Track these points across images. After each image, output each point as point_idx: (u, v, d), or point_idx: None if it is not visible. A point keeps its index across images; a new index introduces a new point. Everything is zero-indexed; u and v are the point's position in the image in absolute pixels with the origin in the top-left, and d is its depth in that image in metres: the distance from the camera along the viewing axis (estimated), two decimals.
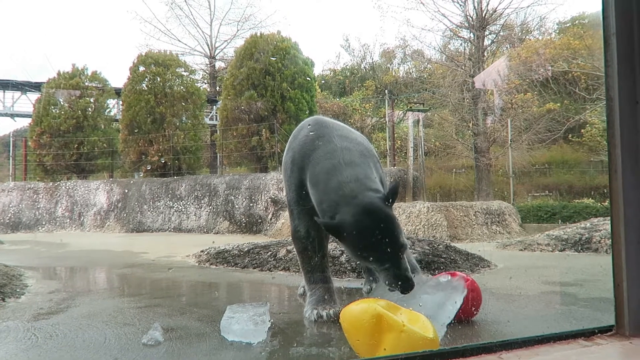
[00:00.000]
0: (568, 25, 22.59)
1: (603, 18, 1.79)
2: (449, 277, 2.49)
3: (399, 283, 2.22)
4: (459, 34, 21.08)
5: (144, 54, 19.53)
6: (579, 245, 6.87)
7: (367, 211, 2.30)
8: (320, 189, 2.52)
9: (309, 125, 2.87)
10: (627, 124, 1.73)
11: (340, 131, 2.83)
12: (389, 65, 30.68)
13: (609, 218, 1.80)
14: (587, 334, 1.62)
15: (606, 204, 11.55)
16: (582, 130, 19.07)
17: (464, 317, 2.67)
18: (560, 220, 11.61)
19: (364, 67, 31.80)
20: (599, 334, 1.62)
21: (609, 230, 1.69)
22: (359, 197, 2.35)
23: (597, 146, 18.20)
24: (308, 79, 18.05)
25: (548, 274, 5.04)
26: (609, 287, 1.67)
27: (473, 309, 2.72)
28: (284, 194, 3.33)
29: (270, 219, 13.28)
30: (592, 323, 1.64)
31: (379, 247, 2.25)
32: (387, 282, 2.28)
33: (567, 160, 19.44)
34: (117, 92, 19.95)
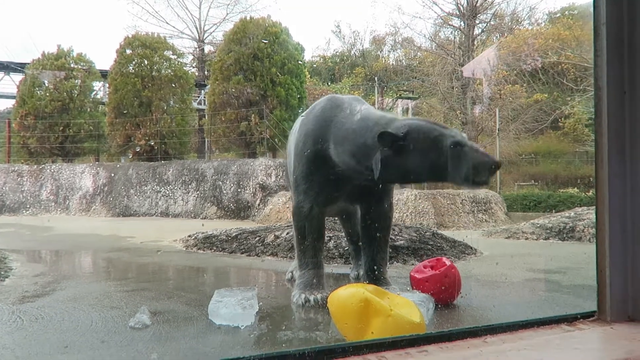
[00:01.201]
0: (558, 15, 22.66)
1: (594, 7, 1.79)
2: (417, 293, 2.55)
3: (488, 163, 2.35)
4: (450, 22, 21.05)
5: (131, 36, 19.21)
6: (563, 234, 6.98)
7: (421, 120, 2.54)
8: (358, 135, 2.60)
9: (321, 103, 2.98)
10: (614, 113, 1.75)
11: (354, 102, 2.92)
12: (379, 52, 30.56)
13: (592, 208, 1.83)
14: (570, 320, 1.65)
15: (590, 193, 11.72)
16: (565, 121, 19.25)
17: (449, 300, 2.74)
18: (545, 210, 11.75)
19: (354, 53, 31.64)
20: (581, 320, 1.66)
21: (593, 219, 1.72)
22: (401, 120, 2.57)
23: (582, 136, 18.39)
24: (300, 62, 17.91)
25: (532, 261, 5.12)
26: (592, 274, 1.70)
27: (456, 293, 2.78)
28: (290, 172, 3.37)
29: (259, 205, 13.26)
30: (574, 309, 1.67)
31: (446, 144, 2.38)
32: (473, 170, 2.35)
33: (553, 151, 19.63)
34: (104, 75, 19.64)
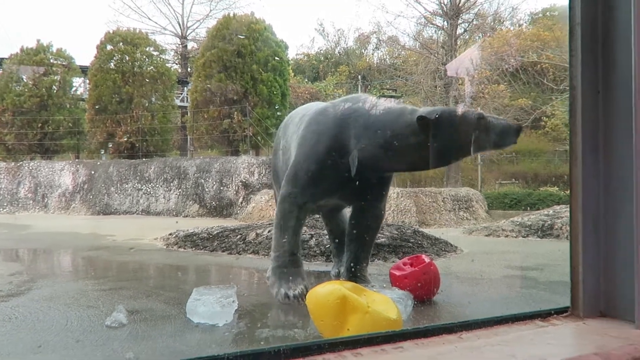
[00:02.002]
0: (539, 16, 22.98)
1: (569, 8, 1.82)
2: (396, 290, 2.54)
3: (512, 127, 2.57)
4: (433, 22, 21.20)
5: (112, 31, 18.93)
6: (541, 232, 7.09)
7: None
8: (387, 126, 2.66)
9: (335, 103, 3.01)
10: (589, 112, 1.77)
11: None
12: (363, 50, 30.63)
13: None
14: (544, 315, 1.67)
15: (569, 192, 11.89)
16: (545, 120, 19.54)
17: (426, 297, 2.76)
18: (524, 208, 11.92)
19: (338, 52, 31.66)
20: (554, 315, 1.68)
21: None
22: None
23: (562, 136, 18.69)
24: (277, 58, 17.81)
25: (511, 258, 5.19)
26: (567, 271, 1.72)
27: (434, 289, 2.80)
28: (277, 168, 3.35)
29: (241, 203, 13.20)
30: (549, 305, 1.70)
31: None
32: (502, 135, 2.55)
33: (533, 150, 19.92)
34: (84, 71, 19.32)
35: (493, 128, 2.56)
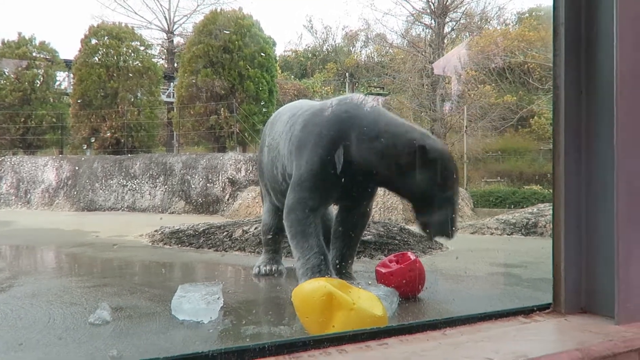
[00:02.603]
0: (526, 16, 23.19)
1: (554, 8, 1.84)
2: (381, 287, 2.57)
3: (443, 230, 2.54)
4: (421, 20, 21.27)
5: (96, 25, 18.67)
6: (525, 229, 7.18)
7: (446, 151, 2.71)
8: (388, 137, 2.68)
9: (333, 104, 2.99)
10: (571, 112, 1.79)
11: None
12: (351, 48, 30.62)
13: None
14: (527, 312, 1.70)
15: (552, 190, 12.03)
16: (531, 120, 19.76)
17: (411, 294, 2.79)
18: (509, 206, 12.05)
19: (326, 49, 31.61)
20: (537, 312, 1.70)
21: None
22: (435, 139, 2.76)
23: (547, 135, 18.90)
24: (263, 54, 17.72)
25: (495, 256, 5.24)
26: (550, 268, 1.74)
27: (419, 286, 2.82)
28: (264, 167, 3.34)
29: (228, 200, 13.13)
30: (532, 302, 1.72)
31: (453, 183, 2.58)
32: (433, 225, 2.56)
33: (519, 148, 20.12)
34: (68, 65, 19.03)
35: (446, 211, 2.62)
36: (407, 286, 2.77)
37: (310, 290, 1.85)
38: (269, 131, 3.47)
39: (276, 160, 3.17)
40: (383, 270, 2.89)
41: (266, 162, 3.42)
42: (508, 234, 7.19)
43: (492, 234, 7.33)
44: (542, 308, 1.74)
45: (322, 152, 2.78)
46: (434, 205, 2.57)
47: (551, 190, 1.85)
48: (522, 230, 7.19)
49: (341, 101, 2.94)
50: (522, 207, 9.70)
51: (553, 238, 1.78)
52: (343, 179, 2.75)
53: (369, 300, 1.88)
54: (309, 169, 2.81)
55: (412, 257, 2.96)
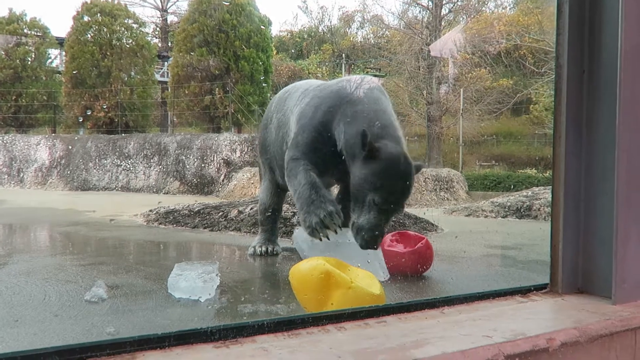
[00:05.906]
0: None
1: None
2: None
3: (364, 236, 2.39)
4: (418, 1, 21.03)
5: (89, 1, 18.32)
6: (520, 213, 7.22)
7: (403, 157, 2.49)
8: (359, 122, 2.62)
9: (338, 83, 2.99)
10: (573, 92, 1.78)
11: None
12: (347, 29, 30.31)
13: (549, 188, 1.87)
14: (524, 292, 1.70)
15: (547, 174, 12.13)
16: (531, 107, 19.76)
17: (417, 272, 2.81)
18: (504, 189, 12.11)
19: (322, 30, 31.28)
20: (534, 292, 1.71)
21: (549, 198, 1.78)
22: (399, 142, 2.58)
23: (543, 120, 18.93)
24: (266, 36, 17.50)
25: (490, 238, 5.27)
26: (545, 250, 1.75)
27: (424, 266, 2.85)
28: (270, 144, 3.36)
29: (223, 180, 13.11)
30: (528, 282, 1.73)
31: (390, 193, 2.42)
32: (355, 229, 2.44)
33: (514, 132, 20.15)
34: (60, 42, 18.72)
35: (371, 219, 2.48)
36: (422, 264, 2.82)
37: (309, 268, 1.84)
38: (278, 108, 3.42)
39: (287, 136, 3.16)
40: (400, 249, 2.87)
41: (273, 139, 3.38)
42: (502, 217, 7.23)
43: (486, 216, 7.37)
44: (539, 288, 1.74)
45: (315, 122, 2.84)
46: (367, 211, 2.43)
47: (546, 174, 1.84)
48: (517, 213, 7.24)
49: (346, 80, 2.98)
50: (517, 191, 9.75)
51: (552, 218, 1.78)
52: (332, 152, 2.76)
53: (366, 279, 1.88)
54: (303, 137, 2.88)
55: (413, 234, 3.00)
